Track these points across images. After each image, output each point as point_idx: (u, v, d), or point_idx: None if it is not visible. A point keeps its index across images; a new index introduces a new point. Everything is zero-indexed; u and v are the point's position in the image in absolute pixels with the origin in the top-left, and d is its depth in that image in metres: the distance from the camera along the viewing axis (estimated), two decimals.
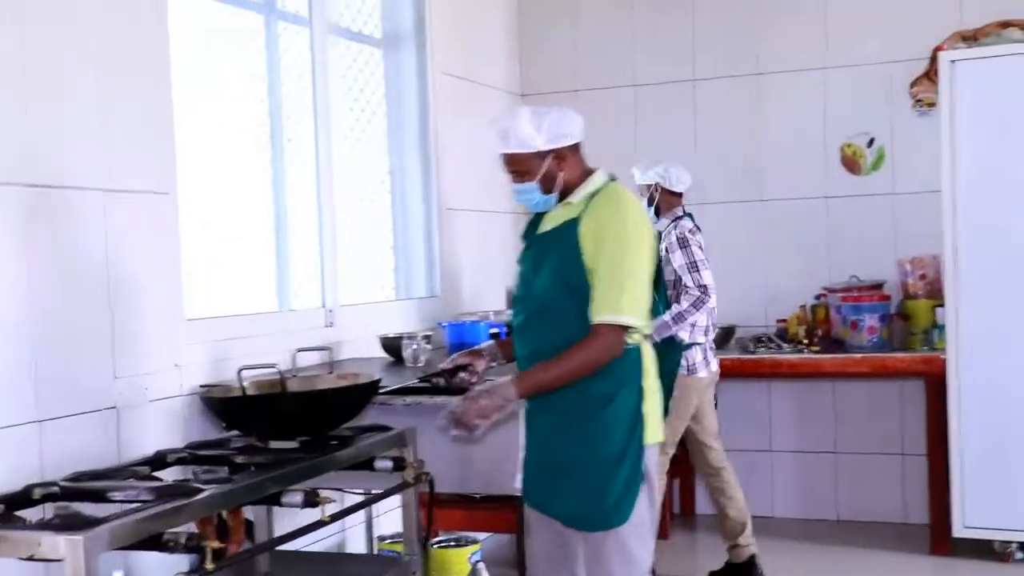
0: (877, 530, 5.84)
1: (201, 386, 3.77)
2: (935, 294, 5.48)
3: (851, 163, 5.90)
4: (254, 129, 4.48)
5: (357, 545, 4.53)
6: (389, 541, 4.31)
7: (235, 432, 3.19)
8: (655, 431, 3.18)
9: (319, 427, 3.03)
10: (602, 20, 6.30)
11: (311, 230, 4.64)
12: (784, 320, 5.79)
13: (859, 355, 5.37)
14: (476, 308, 5.60)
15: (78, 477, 2.68)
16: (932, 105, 5.63)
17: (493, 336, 3.75)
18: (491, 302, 5.87)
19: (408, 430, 3.28)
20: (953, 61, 5.10)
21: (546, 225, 3.18)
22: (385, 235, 5.38)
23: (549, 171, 3.08)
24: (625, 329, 2.99)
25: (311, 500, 2.63)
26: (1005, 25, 5.40)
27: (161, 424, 3.59)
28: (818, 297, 5.81)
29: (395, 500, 3.65)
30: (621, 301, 2.96)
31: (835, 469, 6.03)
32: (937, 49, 5.39)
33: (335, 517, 2.80)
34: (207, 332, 3.90)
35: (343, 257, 4.80)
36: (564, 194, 3.13)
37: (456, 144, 5.64)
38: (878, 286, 5.64)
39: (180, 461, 3.00)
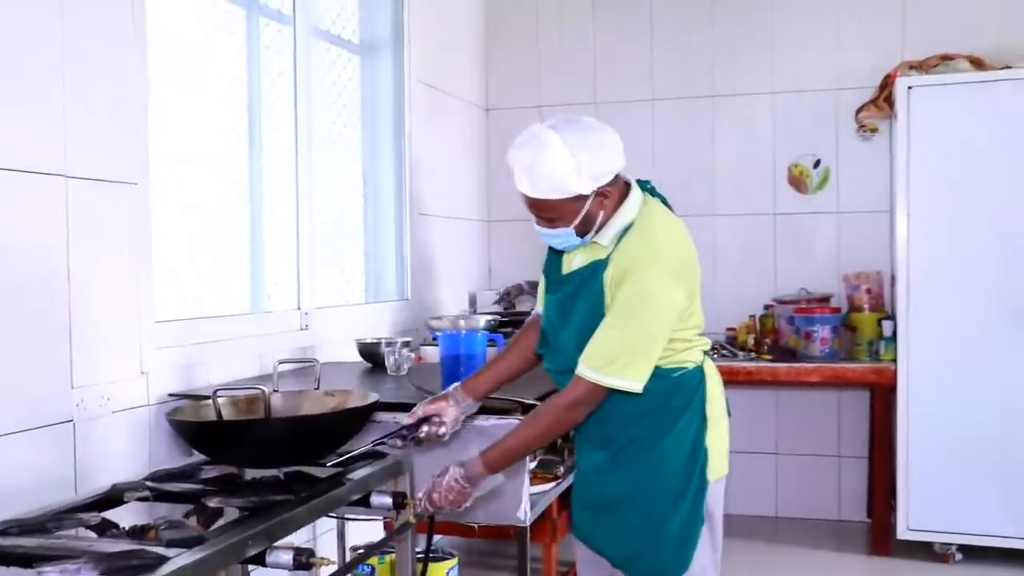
0: (813, 527, 5.16)
1: (170, 395, 2.87)
2: (878, 307, 4.87)
3: (798, 182, 5.18)
4: (231, 125, 3.55)
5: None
6: (363, 551, 3.37)
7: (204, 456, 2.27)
8: (720, 465, 2.37)
9: (307, 456, 2.13)
10: (565, 40, 5.49)
11: (288, 231, 3.72)
12: (733, 328, 5.04)
13: (811, 364, 4.63)
14: (444, 312, 4.73)
15: (5, 529, 1.75)
16: (875, 131, 5.03)
17: (490, 344, 2.87)
18: (458, 306, 5.02)
19: (407, 458, 2.39)
20: (910, 87, 4.43)
21: (572, 263, 2.34)
22: (357, 238, 4.46)
23: (589, 215, 2.19)
24: (608, 389, 2.19)
25: (303, 561, 1.74)
26: (946, 58, 4.70)
27: (124, 438, 2.72)
28: (767, 307, 5.07)
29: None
30: (615, 361, 2.14)
31: (776, 469, 5.27)
32: (888, 77, 4.73)
33: None
34: (177, 336, 3.00)
35: (318, 260, 3.88)
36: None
37: (429, 151, 4.75)
38: (826, 299, 4.94)
39: (141, 499, 2.06)
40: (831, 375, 4.62)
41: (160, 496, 2.04)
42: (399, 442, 2.29)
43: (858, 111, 4.97)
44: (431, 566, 3.35)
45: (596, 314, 2.18)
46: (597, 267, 2.21)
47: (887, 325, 4.65)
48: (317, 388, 2.45)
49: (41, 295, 2.44)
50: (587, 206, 2.15)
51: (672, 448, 2.27)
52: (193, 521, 1.86)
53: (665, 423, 2.26)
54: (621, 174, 2.23)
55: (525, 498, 2.54)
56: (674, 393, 2.27)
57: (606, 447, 2.32)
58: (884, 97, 4.82)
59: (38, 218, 2.44)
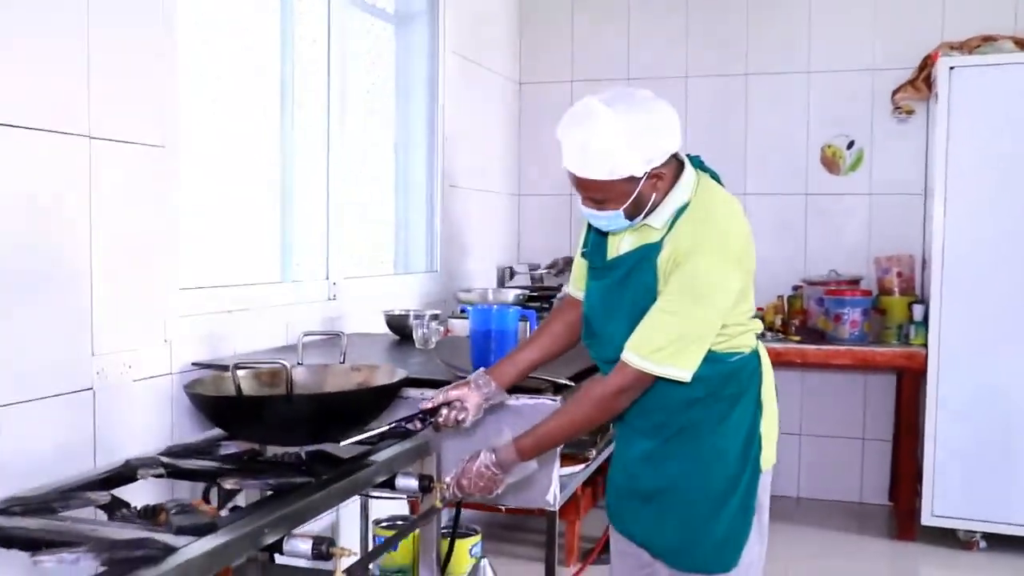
0: (835, 508, 4.95)
1: (193, 364, 2.70)
2: (909, 291, 4.64)
3: (830, 163, 4.94)
4: (264, 93, 3.35)
5: (351, 533, 3.43)
6: (385, 525, 3.21)
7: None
8: (771, 453, 2.17)
9: (330, 434, 1.95)
10: (600, 15, 5.25)
11: (318, 200, 3.53)
12: (761, 308, 4.81)
13: (842, 347, 4.41)
14: (472, 285, 4.54)
15: (7, 508, 1.58)
16: (911, 112, 4.77)
17: (522, 320, 2.68)
18: (487, 280, 4.83)
19: (435, 439, 2.21)
20: (952, 68, 4.17)
21: (619, 247, 2.10)
22: (388, 209, 4.28)
23: (641, 197, 1.96)
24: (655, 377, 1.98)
25: (322, 551, 1.57)
26: (989, 39, 4.46)
27: (146, 408, 2.55)
28: (795, 288, 4.85)
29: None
30: (665, 348, 1.93)
31: (798, 450, 5.06)
32: (928, 58, 4.47)
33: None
34: (202, 303, 2.83)
35: (348, 230, 3.70)
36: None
37: (461, 123, 4.54)
38: (856, 281, 4.70)
39: (156, 475, 1.89)
40: (860, 359, 4.40)
41: (175, 473, 1.87)
42: (417, 424, 2.09)
43: (895, 92, 4.73)
44: (455, 544, 3.19)
45: (648, 301, 1.98)
46: (649, 251, 2.00)
47: (918, 309, 4.43)
48: (343, 362, 2.27)
49: (63, 258, 2.27)
50: (639, 188, 1.92)
51: (727, 437, 2.07)
52: (207, 504, 1.68)
53: (720, 410, 2.07)
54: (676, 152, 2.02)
55: (555, 481, 2.36)
56: (730, 379, 2.07)
57: (654, 436, 2.12)
58: (923, 78, 4.57)
59: (60, 179, 2.26)
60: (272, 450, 1.99)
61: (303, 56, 3.53)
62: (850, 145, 4.90)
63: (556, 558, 2.44)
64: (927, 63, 4.49)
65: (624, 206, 1.95)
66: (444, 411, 2.12)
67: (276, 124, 3.43)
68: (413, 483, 1.99)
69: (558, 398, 2.35)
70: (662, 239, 1.98)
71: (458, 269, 4.59)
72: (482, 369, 2.23)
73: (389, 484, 1.99)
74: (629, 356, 1.96)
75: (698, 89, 5.05)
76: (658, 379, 1.96)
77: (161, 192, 2.57)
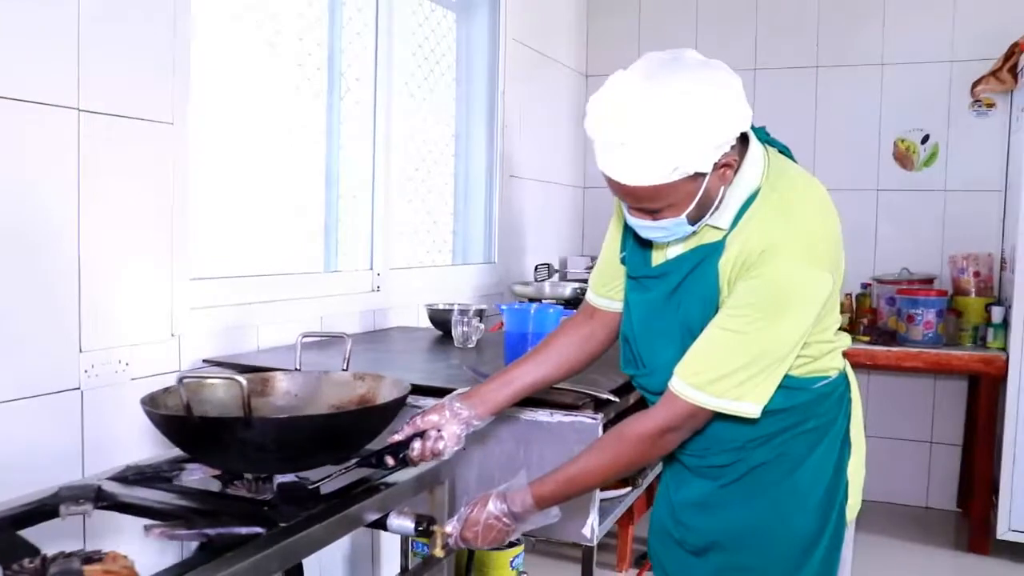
0: (900, 513, 4.24)
1: (204, 361, 2.18)
2: (986, 291, 3.91)
3: (904, 158, 4.23)
4: (309, 74, 2.83)
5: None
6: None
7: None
8: (857, 499, 1.59)
9: (305, 463, 1.41)
10: (667, 6, 4.61)
11: (364, 188, 3.00)
12: None
13: (914, 349, 3.73)
14: (530, 278, 3.96)
15: None
16: (991, 106, 4.04)
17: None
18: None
19: (444, 464, 1.64)
20: None
21: (665, 251, 1.49)
22: (446, 199, 3.73)
23: (709, 194, 1.35)
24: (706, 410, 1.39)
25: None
26: None
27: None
28: (864, 287, 4.16)
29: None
30: (729, 377, 1.34)
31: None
32: (1016, 46, 3.73)
33: None
34: (222, 294, 2.33)
35: (398, 219, 3.16)
36: None
37: (523, 112, 3.96)
38: (929, 280, 4.00)
39: (77, 514, 1.35)
40: (934, 362, 3.71)
41: (114, 506, 1.35)
42: (388, 460, 1.51)
43: (975, 84, 4.00)
44: (495, 555, 2.64)
45: (707, 317, 1.40)
46: (709, 254, 1.40)
47: (996, 311, 3.73)
48: (345, 369, 1.72)
49: (44, 244, 1.78)
50: (705, 185, 1.31)
51: (806, 482, 1.48)
52: (124, 559, 1.16)
53: (799, 449, 1.48)
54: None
55: (594, 511, 1.79)
56: (812, 411, 1.47)
57: (712, 478, 1.53)
58: (1008, 68, 3.83)
59: (41, 155, 1.78)
60: (233, 492, 1.45)
61: (352, 38, 3.00)
62: (925, 139, 4.18)
63: None
64: (1013, 51, 3.75)
65: (687, 211, 1.33)
66: (416, 444, 1.52)
67: (323, 109, 2.91)
68: (408, 525, 1.44)
69: (599, 417, 1.77)
70: (725, 237, 1.39)
71: (517, 261, 4.03)
72: (457, 392, 1.63)
73: (380, 524, 1.44)
74: (679, 386, 1.38)
75: (766, 82, 4.37)
76: (718, 414, 1.39)
77: (167, 173, 2.07)
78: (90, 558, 1.21)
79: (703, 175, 1.30)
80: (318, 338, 2.14)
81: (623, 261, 1.58)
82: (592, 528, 1.78)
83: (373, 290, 2.98)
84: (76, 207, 1.84)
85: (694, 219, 1.37)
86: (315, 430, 1.33)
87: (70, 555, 1.20)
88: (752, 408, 1.36)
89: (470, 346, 2.55)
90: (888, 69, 4.22)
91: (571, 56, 4.57)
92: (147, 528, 1.19)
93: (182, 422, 1.32)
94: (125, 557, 1.22)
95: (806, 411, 1.46)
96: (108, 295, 1.93)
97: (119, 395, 1.96)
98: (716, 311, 1.38)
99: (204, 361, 2.18)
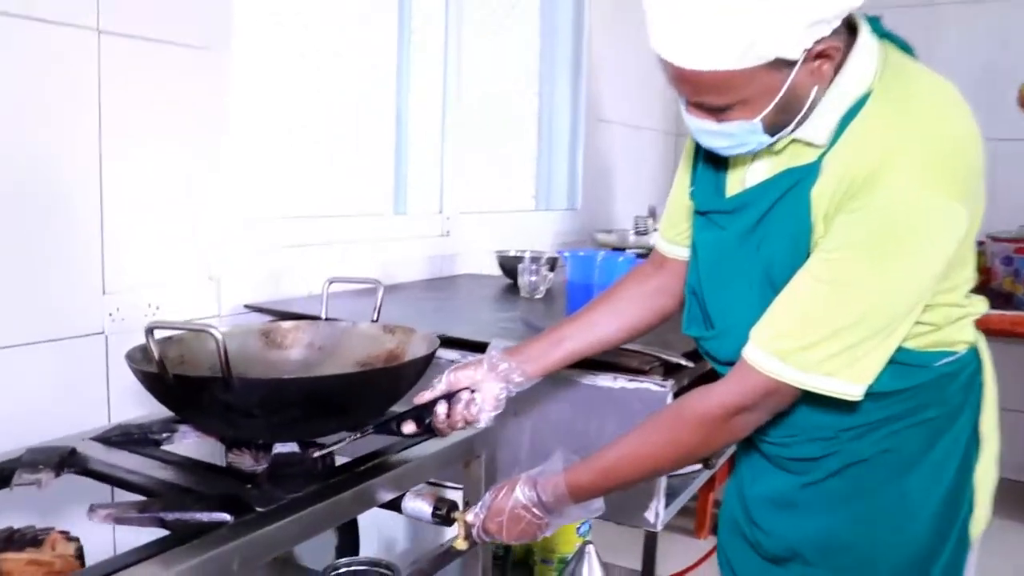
0: (1015, 489, 3.71)
1: (246, 307, 1.93)
2: None
3: None
4: (381, 12, 2.53)
5: None
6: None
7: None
8: (985, 511, 1.17)
9: (303, 430, 1.12)
10: None
11: (433, 128, 2.70)
12: None
13: None
14: (614, 226, 3.60)
15: None
16: None
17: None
18: (634, 221, 3.87)
19: (481, 433, 1.34)
20: None
21: (743, 178, 1.12)
22: (528, 142, 3.40)
23: (795, 93, 0.97)
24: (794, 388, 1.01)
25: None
26: None
27: None
28: (978, 244, 3.62)
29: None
30: (821, 345, 0.97)
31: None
32: None
33: None
34: (271, 236, 2.07)
35: (471, 161, 2.85)
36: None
37: (611, 54, 3.57)
38: None
39: (29, 484, 1.10)
40: None
41: (83, 472, 1.11)
42: (411, 425, 1.19)
43: None
44: None
45: (795, 262, 1.03)
46: (799, 180, 1.02)
47: None
48: (375, 321, 1.44)
49: (58, 177, 1.55)
50: (791, 79, 0.96)
51: (921, 487, 1.10)
52: (69, 541, 0.92)
53: (912, 445, 1.10)
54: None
55: (659, 493, 1.46)
56: (933, 396, 1.09)
57: (797, 472, 1.16)
58: None
59: (57, 80, 1.53)
60: (232, 459, 1.19)
61: None
62: None
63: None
64: None
65: (763, 113, 0.98)
66: (440, 409, 1.20)
67: (392, 41, 2.61)
68: (425, 509, 1.15)
69: (668, 384, 1.44)
70: (821, 158, 1.01)
71: (603, 209, 3.67)
72: (501, 344, 1.30)
73: (395, 506, 1.16)
74: (755, 355, 1.02)
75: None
76: (807, 392, 1.03)
77: (203, 104, 1.81)
78: (36, 538, 0.97)
79: (789, 64, 0.94)
80: (347, 285, 1.86)
81: (692, 196, 1.23)
82: (657, 512, 1.46)
83: (442, 235, 2.69)
84: (96, 139, 1.60)
85: (773, 127, 1.01)
86: (307, 395, 1.06)
87: (12, 533, 0.96)
88: (851, 388, 0.99)
89: (538, 297, 2.24)
90: (1012, 5, 3.65)
91: None
92: (92, 508, 0.94)
93: (158, 380, 1.06)
94: (74, 540, 0.97)
95: (924, 396, 1.08)
96: (134, 235, 1.69)
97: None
98: (807, 256, 1.01)
99: (245, 306, 1.94)
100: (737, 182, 1.13)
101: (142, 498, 1.01)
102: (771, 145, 1.05)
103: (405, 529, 2.54)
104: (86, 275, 1.62)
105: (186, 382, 1.05)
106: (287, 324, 1.44)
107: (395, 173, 2.67)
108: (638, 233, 3.32)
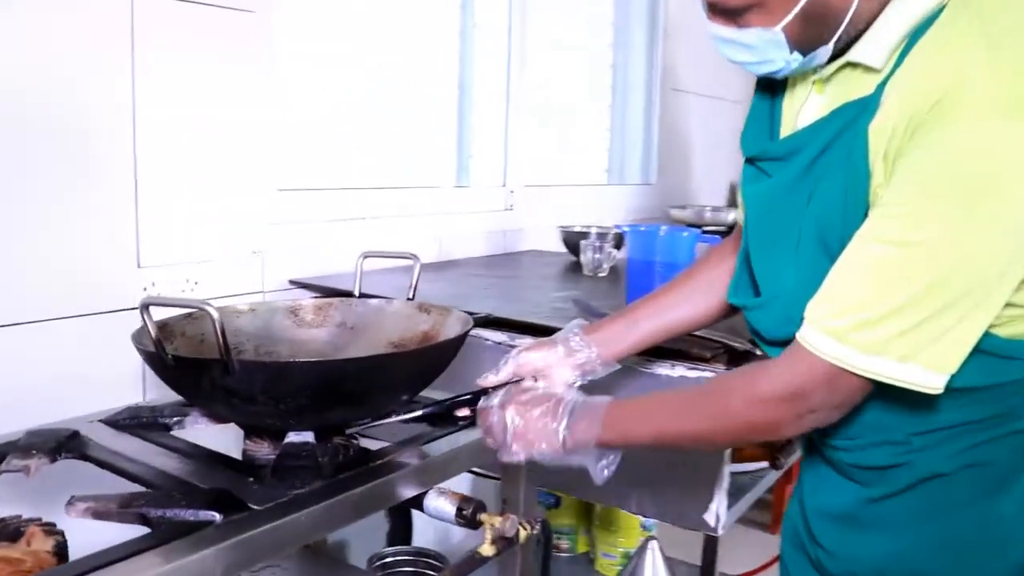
0: None
1: (291, 282, 1.85)
2: None
3: None
4: None
5: None
6: None
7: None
8: None
9: (315, 419, 1.01)
10: None
11: (497, 97, 2.57)
12: None
13: None
14: (690, 202, 3.42)
15: None
16: None
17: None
18: (711, 198, 3.67)
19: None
20: None
21: (798, 117, 0.93)
22: (602, 113, 3.24)
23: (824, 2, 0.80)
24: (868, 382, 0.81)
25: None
26: None
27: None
28: None
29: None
30: (884, 322, 0.77)
31: None
32: None
33: None
34: (316, 208, 1.97)
35: (537, 132, 2.71)
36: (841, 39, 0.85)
37: (688, 20, 3.35)
38: None
39: (16, 471, 1.00)
40: None
41: (81, 457, 1.02)
42: (468, 412, 1.05)
43: None
44: (624, 514, 2.21)
45: (851, 217, 0.83)
46: (855, 114, 0.84)
47: None
48: (411, 299, 1.32)
49: (90, 144, 1.47)
50: None
51: (1015, 510, 0.90)
52: (53, 535, 0.83)
53: (1005, 459, 0.89)
54: None
55: (719, 493, 1.30)
56: None
57: (863, 483, 0.97)
58: None
59: (91, 42, 1.45)
60: (249, 447, 1.08)
61: None
62: None
63: None
64: None
65: (784, 20, 0.82)
66: (497, 398, 1.02)
67: (455, 9, 2.48)
68: (448, 510, 1.02)
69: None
70: (881, 86, 0.82)
71: (679, 184, 3.48)
72: (578, 322, 1.15)
73: (416, 503, 1.04)
74: (809, 335, 0.83)
75: None
76: (875, 385, 0.83)
77: (246, 70, 1.71)
78: (18, 530, 0.88)
79: None
80: (383, 259, 1.74)
81: (741, 141, 1.05)
82: (717, 515, 1.31)
83: (505, 209, 2.56)
84: (130, 106, 1.52)
85: (803, 42, 0.84)
86: (315, 380, 0.94)
87: None
88: (930, 377, 0.79)
89: (601, 275, 2.09)
90: None
91: None
92: (71, 501, 0.85)
93: (160, 362, 0.96)
94: (56, 534, 0.88)
95: (1015, 398, 0.87)
96: (171, 207, 1.61)
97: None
98: (866, 212, 0.82)
99: (290, 282, 1.85)
100: (790, 124, 0.95)
101: (134, 489, 0.91)
102: (820, 71, 0.89)
103: None
104: (120, 248, 1.54)
105: (185, 364, 0.95)
106: (317, 302, 1.33)
107: (457, 144, 2.55)
108: (715, 210, 3.13)
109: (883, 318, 0.78)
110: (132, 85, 1.51)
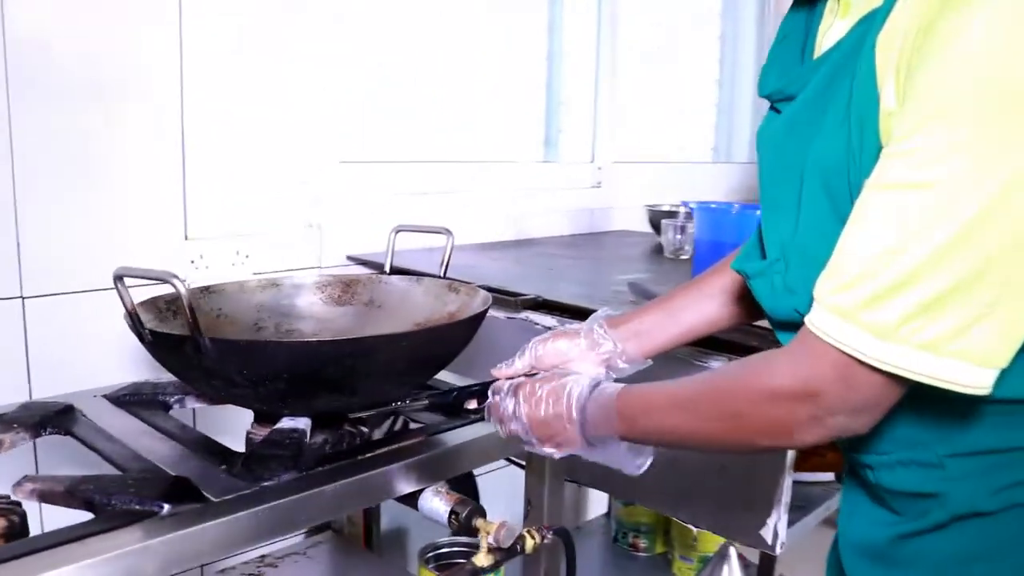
0: None
1: (348, 258, 1.78)
2: None
3: None
4: None
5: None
6: None
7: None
8: None
9: (306, 405, 0.92)
10: None
11: (586, 69, 2.42)
12: None
13: None
14: None
15: None
16: None
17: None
18: None
19: None
20: None
21: (823, 40, 0.73)
22: (709, 87, 3.04)
23: None
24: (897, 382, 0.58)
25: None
26: None
27: None
28: None
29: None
30: (891, 296, 0.56)
31: None
32: None
33: None
34: (380, 181, 1.89)
35: (632, 107, 2.56)
36: None
37: None
38: None
39: (10, 447, 0.98)
40: None
41: (67, 434, 0.97)
42: (476, 404, 0.92)
43: None
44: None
45: (858, 154, 0.63)
46: (866, 28, 0.63)
47: None
48: (443, 276, 1.21)
49: (136, 109, 1.44)
50: None
51: None
52: (13, 512, 0.78)
53: None
54: None
55: (778, 507, 1.14)
56: None
57: (897, 511, 0.75)
58: None
59: (136, 10, 1.42)
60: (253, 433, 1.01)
61: None
62: None
63: None
64: None
65: None
66: (508, 396, 0.87)
67: None
68: (442, 511, 0.91)
69: None
70: None
71: None
72: (605, 312, 1.00)
73: (410, 500, 0.93)
74: (815, 316, 0.63)
75: None
76: (904, 384, 0.61)
77: (307, 29, 1.65)
78: None
79: None
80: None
81: (759, 80, 0.86)
82: (775, 532, 1.14)
83: (593, 186, 2.42)
84: (179, 65, 1.48)
85: None
86: (291, 363, 0.84)
87: None
88: (970, 372, 0.57)
89: (683, 257, 1.93)
90: None
91: None
92: (19, 482, 0.79)
93: (139, 337, 0.90)
94: (14, 515, 0.83)
95: None
96: (221, 178, 1.56)
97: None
98: (878, 149, 0.62)
99: (348, 258, 1.78)
100: (819, 44, 0.77)
101: (107, 471, 0.85)
102: None
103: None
104: (167, 219, 1.51)
105: (160, 339, 0.88)
106: (345, 278, 1.25)
107: (545, 118, 2.43)
108: None
109: (897, 288, 0.58)
110: (180, 45, 1.47)
